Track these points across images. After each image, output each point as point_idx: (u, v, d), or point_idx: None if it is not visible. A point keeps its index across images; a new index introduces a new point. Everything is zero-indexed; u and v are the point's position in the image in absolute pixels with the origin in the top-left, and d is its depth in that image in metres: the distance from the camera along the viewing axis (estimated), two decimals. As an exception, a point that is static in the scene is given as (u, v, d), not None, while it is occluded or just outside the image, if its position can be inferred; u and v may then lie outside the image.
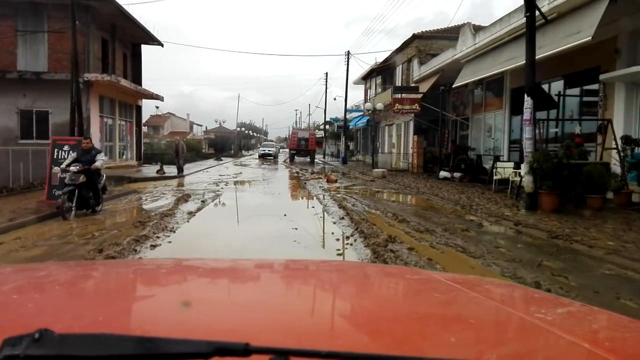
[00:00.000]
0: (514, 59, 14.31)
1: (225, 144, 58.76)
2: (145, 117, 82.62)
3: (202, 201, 11.55)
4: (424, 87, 20.29)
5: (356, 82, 44.25)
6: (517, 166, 14.23)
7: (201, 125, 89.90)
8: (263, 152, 46.14)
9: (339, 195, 13.12)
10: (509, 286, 1.80)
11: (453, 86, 18.36)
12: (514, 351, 0.88)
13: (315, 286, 1.43)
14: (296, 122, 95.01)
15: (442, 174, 19.10)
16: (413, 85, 20.70)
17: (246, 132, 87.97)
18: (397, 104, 19.80)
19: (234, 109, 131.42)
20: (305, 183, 17.97)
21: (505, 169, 13.84)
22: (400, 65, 28.79)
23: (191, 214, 9.50)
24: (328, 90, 54.70)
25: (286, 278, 1.54)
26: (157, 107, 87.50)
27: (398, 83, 28.48)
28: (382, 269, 2.41)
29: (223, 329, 0.90)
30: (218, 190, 14.63)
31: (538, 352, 0.86)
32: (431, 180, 18.90)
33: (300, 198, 13.33)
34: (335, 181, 18.33)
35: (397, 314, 1.09)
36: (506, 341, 0.97)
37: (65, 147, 11.29)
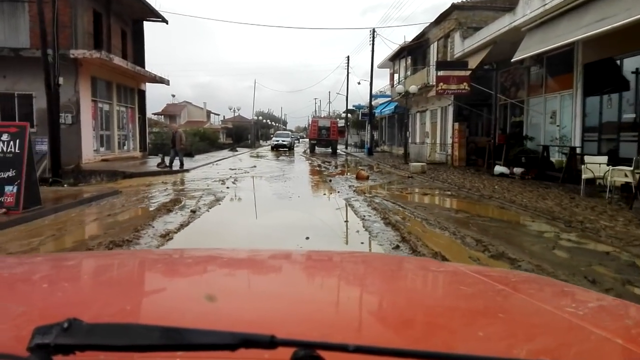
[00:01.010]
0: (607, 19, 10.76)
1: (243, 134, 56.26)
2: (161, 106, 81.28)
3: (192, 211, 8.37)
4: (473, 63, 16.73)
5: (381, 66, 40.60)
6: (613, 162, 10.78)
7: (218, 115, 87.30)
8: (276, 142, 41.31)
9: (377, 201, 9.83)
10: (538, 279, 1.64)
11: (513, 60, 14.79)
12: (543, 346, 0.84)
13: (340, 277, 1.41)
14: (315, 110, 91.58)
15: (498, 169, 15.60)
16: (460, 60, 17.13)
17: (264, 121, 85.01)
18: (442, 83, 16.32)
19: (253, 98, 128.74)
20: (330, 180, 14.68)
21: (600, 166, 10.36)
22: (436, 42, 25.15)
23: (165, 237, 6.30)
24: (348, 78, 51.09)
25: (309, 269, 1.52)
26: (174, 96, 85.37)
27: (433, 62, 24.90)
28: (407, 261, 2.44)
29: (247, 320, 0.88)
30: (221, 192, 11.44)
31: (569, 347, 0.84)
32: (484, 176, 15.43)
33: (327, 206, 10.00)
34: (367, 178, 15.01)
35: (424, 307, 1.07)
36: (536, 336, 0.91)
37: (4, 136, 8.19)
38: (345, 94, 50.39)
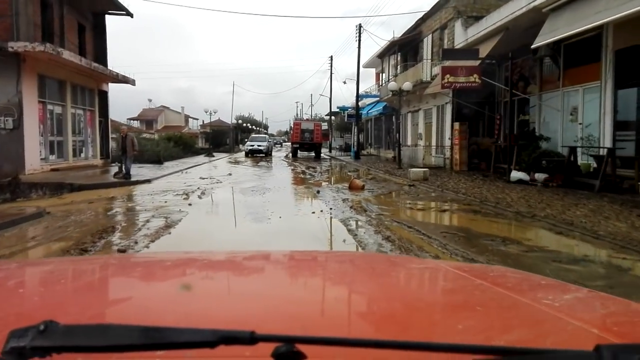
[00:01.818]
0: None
1: (222, 139, 53.63)
2: (137, 111, 78.05)
3: (120, 250, 5.77)
4: (482, 52, 14.37)
5: (367, 65, 38.32)
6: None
7: (197, 119, 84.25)
8: (251, 147, 35.69)
9: (386, 223, 7.37)
10: (516, 273, 1.59)
11: (533, 46, 12.52)
12: (521, 337, 0.87)
13: (321, 275, 1.42)
14: (297, 114, 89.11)
15: (516, 174, 13.28)
16: (470, 48, 14.77)
17: (244, 125, 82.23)
18: (448, 75, 13.95)
19: (233, 102, 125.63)
20: (318, 192, 12.17)
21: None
22: (430, 35, 22.89)
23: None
24: (331, 78, 48.78)
25: (291, 268, 1.53)
26: (150, 100, 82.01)
27: (427, 57, 22.64)
28: (388, 259, 2.40)
29: (229, 319, 0.88)
30: (179, 211, 8.87)
31: (546, 337, 0.85)
32: (499, 184, 13.10)
33: (319, 234, 7.39)
34: (363, 188, 12.54)
35: (404, 302, 1.07)
36: (514, 327, 0.94)
37: None
38: (329, 96, 48.06)
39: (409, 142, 26.24)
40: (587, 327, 0.88)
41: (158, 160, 24.59)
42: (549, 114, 15.88)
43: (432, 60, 21.68)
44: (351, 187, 12.56)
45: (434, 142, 22.20)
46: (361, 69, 34.57)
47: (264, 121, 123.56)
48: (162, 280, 1.28)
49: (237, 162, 28.19)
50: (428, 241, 6.13)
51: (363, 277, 1.39)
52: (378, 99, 32.29)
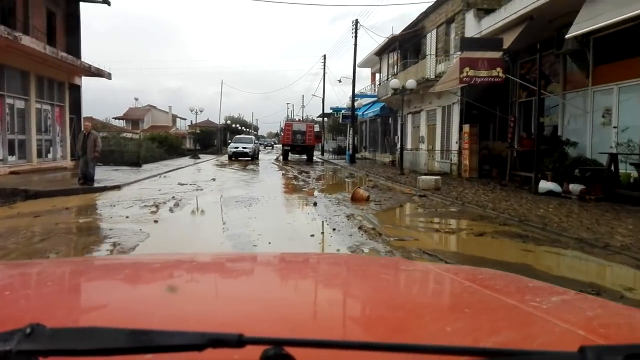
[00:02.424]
0: None
1: (211, 139, 51.69)
2: (123, 110, 75.64)
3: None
4: (505, 43, 12.45)
5: (362, 64, 36.51)
6: None
7: (185, 119, 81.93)
8: (234, 150, 31.49)
9: (415, 256, 5.44)
10: (503, 276, 1.53)
11: (568, 35, 10.70)
12: (509, 339, 0.87)
13: (310, 278, 1.41)
14: (288, 115, 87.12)
15: (545, 185, 11.45)
16: (492, 38, 12.80)
17: (234, 126, 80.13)
18: (467, 68, 12.03)
19: (223, 103, 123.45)
20: (315, 204, 10.21)
21: None
22: (434, 30, 21.06)
23: None
24: (324, 78, 46.94)
25: (280, 270, 1.51)
26: (137, 99, 79.56)
27: (431, 52, 20.81)
28: (377, 261, 2.45)
29: (217, 321, 0.88)
30: (139, 232, 6.88)
31: (533, 339, 0.85)
32: (524, 195, 11.25)
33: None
34: (367, 200, 10.60)
35: (392, 304, 1.07)
36: (501, 329, 0.94)
37: None
38: (321, 96, 46.16)
39: (409, 146, 24.39)
40: (573, 328, 0.89)
41: (137, 162, 22.50)
42: (573, 115, 14.08)
43: (436, 57, 19.83)
44: (354, 199, 10.61)
45: (438, 146, 20.36)
46: (356, 68, 32.71)
47: (254, 122, 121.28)
48: (150, 282, 1.27)
49: (223, 165, 26.11)
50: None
51: (352, 279, 1.40)
52: (375, 99, 30.42)
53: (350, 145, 29.02)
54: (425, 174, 18.31)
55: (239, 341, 0.54)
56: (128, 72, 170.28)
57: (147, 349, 0.54)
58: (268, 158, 37.50)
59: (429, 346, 0.60)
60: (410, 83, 18.19)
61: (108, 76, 21.68)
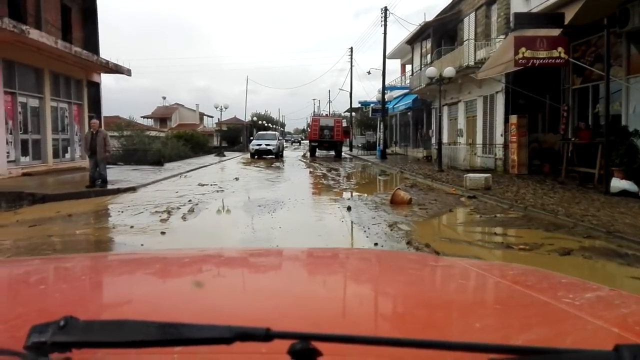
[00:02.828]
0: None
1: (238, 137, 51.11)
2: (151, 109, 75.74)
3: None
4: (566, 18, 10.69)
5: (391, 55, 34.78)
6: None
7: (212, 117, 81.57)
8: (257, 147, 29.12)
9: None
10: (535, 271, 1.50)
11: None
12: (540, 336, 0.85)
13: (336, 273, 1.40)
14: (314, 111, 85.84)
15: (618, 184, 9.80)
16: (552, 13, 11.05)
17: (260, 122, 79.50)
18: (524, 49, 10.29)
19: (250, 101, 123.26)
20: (349, 209, 8.83)
21: None
22: (473, 13, 19.37)
23: None
24: (351, 71, 45.34)
25: (306, 265, 1.51)
26: (164, 98, 79.68)
27: (470, 37, 19.12)
28: (404, 256, 2.37)
29: (244, 315, 0.87)
30: (138, 248, 5.64)
31: (566, 336, 0.84)
32: (593, 196, 9.62)
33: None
34: (409, 202, 9.15)
35: (420, 300, 1.06)
36: (532, 326, 0.91)
37: None
38: (349, 90, 44.68)
39: (446, 140, 22.72)
40: (607, 326, 0.86)
41: (158, 161, 21.54)
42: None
43: (476, 42, 18.14)
44: (394, 201, 9.18)
45: (479, 140, 18.67)
46: (386, 60, 31.08)
47: (281, 119, 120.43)
48: (178, 276, 1.27)
49: (248, 163, 24.92)
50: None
51: (379, 274, 1.39)
52: (406, 91, 28.78)
53: (381, 140, 27.48)
54: (467, 171, 16.73)
55: (266, 335, 0.54)
56: (156, 72, 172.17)
57: (176, 341, 0.55)
58: (295, 155, 36.29)
59: (458, 343, 0.59)
60: (449, 71, 16.59)
61: (128, 72, 20.75)
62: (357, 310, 0.95)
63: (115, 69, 19.74)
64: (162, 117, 72.12)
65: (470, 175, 11.22)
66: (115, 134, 27.12)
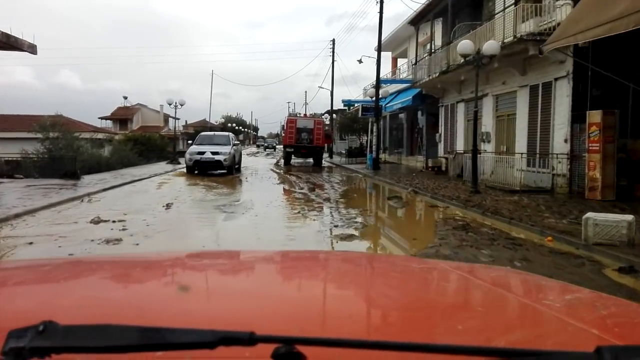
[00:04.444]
0: None
1: (206, 141, 44.85)
2: (110, 109, 68.96)
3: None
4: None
5: (384, 47, 29.44)
6: None
7: (178, 119, 74.91)
8: (199, 157, 18.75)
9: None
10: (516, 274, 1.60)
11: None
12: (522, 337, 0.86)
13: (320, 275, 1.39)
14: (289, 113, 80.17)
15: None
16: None
17: (231, 125, 73.69)
18: None
19: (221, 104, 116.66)
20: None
21: None
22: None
23: None
24: (333, 66, 39.99)
25: (290, 268, 1.49)
26: (126, 98, 72.67)
27: (505, 6, 13.83)
28: (387, 259, 2.37)
29: (228, 319, 0.87)
30: None
31: (546, 338, 0.85)
32: None
33: None
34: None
35: (404, 303, 1.06)
36: (514, 328, 0.93)
37: None
38: (330, 89, 39.27)
39: (461, 147, 17.44)
40: (587, 328, 0.87)
41: (73, 173, 15.56)
42: None
43: (522, 7, 12.82)
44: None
45: (521, 147, 13.35)
46: (373, 54, 25.65)
47: (254, 122, 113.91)
48: (161, 279, 1.25)
49: (197, 176, 18.48)
50: None
51: (363, 277, 1.38)
52: (406, 86, 23.45)
53: (374, 146, 22.04)
54: (513, 192, 11.40)
55: (250, 339, 0.54)
56: (126, 75, 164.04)
57: (158, 346, 0.54)
58: (266, 163, 30.58)
59: (441, 345, 0.60)
60: (491, 46, 11.24)
61: (29, 49, 14.70)
62: (342, 314, 0.94)
63: (7, 42, 13.73)
64: (122, 118, 65.80)
65: (596, 216, 5.78)
66: (40, 135, 20.91)
